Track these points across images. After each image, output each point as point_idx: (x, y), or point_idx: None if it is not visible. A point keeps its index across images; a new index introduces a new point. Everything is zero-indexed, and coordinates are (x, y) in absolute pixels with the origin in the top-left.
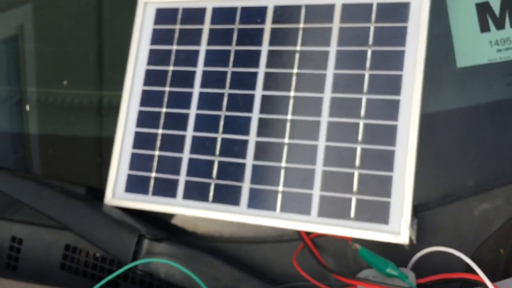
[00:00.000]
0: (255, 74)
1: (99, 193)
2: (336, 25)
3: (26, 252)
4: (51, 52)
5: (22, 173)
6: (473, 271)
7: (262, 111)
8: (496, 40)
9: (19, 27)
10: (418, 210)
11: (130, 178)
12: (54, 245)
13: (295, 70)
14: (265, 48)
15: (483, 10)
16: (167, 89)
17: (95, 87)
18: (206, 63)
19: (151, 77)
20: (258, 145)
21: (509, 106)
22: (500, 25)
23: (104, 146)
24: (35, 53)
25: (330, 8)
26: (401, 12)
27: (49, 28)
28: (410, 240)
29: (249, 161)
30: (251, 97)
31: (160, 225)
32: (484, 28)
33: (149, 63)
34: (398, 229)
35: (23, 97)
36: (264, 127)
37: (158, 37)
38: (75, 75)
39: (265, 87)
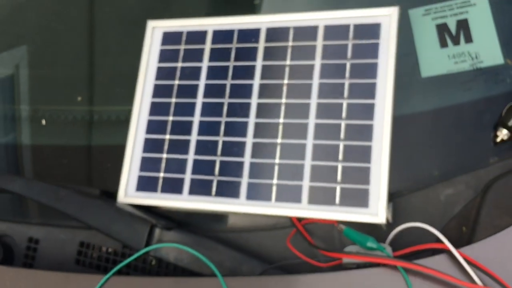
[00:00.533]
0: (251, 85)
1: (111, 195)
2: (319, 42)
3: (42, 251)
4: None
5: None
6: (440, 242)
7: (257, 116)
8: (453, 54)
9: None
10: (393, 197)
11: (141, 178)
12: (69, 242)
13: (285, 81)
14: (259, 63)
15: (442, 29)
16: (173, 100)
17: (104, 102)
18: (208, 77)
19: (159, 91)
20: (255, 145)
21: (466, 108)
22: (456, 42)
23: (113, 154)
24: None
25: (314, 29)
26: (373, 31)
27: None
28: (387, 220)
29: (247, 159)
30: (248, 104)
31: (169, 218)
32: (443, 44)
33: (157, 78)
34: (376, 211)
35: (38, 113)
36: (260, 129)
37: (165, 56)
38: (87, 92)
39: (260, 96)
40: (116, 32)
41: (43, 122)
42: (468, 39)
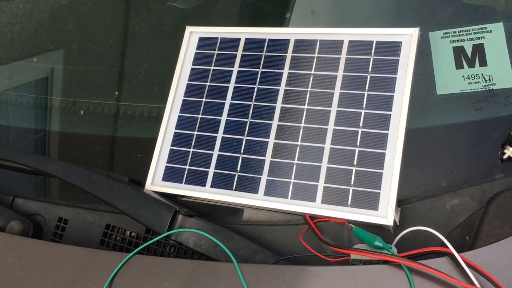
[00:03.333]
0: (277, 91)
1: (139, 183)
2: (343, 56)
3: (70, 231)
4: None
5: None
6: (444, 246)
7: (280, 119)
8: (468, 75)
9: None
10: (401, 203)
11: (167, 169)
12: (96, 224)
13: (309, 89)
14: (286, 71)
15: (459, 52)
16: (204, 99)
17: (139, 99)
18: (237, 81)
19: (191, 90)
20: (276, 145)
21: (476, 126)
22: (471, 64)
23: (143, 146)
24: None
25: (340, 43)
26: (394, 49)
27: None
28: (394, 223)
29: (268, 158)
30: (273, 108)
31: (191, 208)
32: (459, 65)
33: (190, 79)
34: (385, 214)
35: (77, 105)
36: (282, 132)
37: (199, 59)
38: (124, 89)
39: (284, 101)
40: (154, 36)
41: (81, 112)
42: (483, 63)
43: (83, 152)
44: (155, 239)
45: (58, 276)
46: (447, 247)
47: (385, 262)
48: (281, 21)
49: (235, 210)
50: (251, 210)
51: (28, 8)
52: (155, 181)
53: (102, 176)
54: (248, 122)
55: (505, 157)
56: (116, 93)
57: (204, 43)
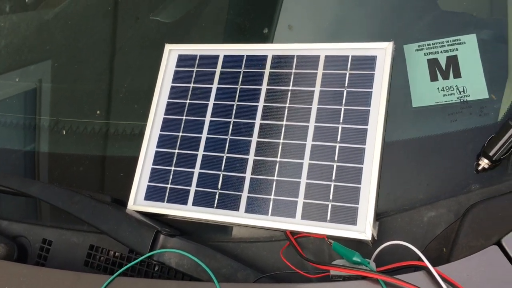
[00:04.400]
0: (255, 107)
1: (122, 202)
2: (320, 71)
3: (54, 252)
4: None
5: (56, 184)
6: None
7: (260, 136)
8: (442, 87)
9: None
10: (380, 216)
11: (149, 188)
12: (80, 245)
13: (287, 104)
14: (264, 87)
15: (433, 64)
16: (184, 117)
17: (121, 117)
18: (217, 98)
19: (171, 108)
20: (256, 162)
21: (451, 138)
22: (445, 76)
23: (126, 164)
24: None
25: (316, 58)
26: (369, 63)
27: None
28: (372, 237)
29: (248, 175)
30: (252, 124)
31: (173, 226)
32: (433, 77)
33: (170, 97)
34: (364, 229)
35: (59, 124)
36: (261, 148)
37: (179, 76)
38: (106, 107)
39: (263, 117)
40: (136, 53)
41: (63, 132)
42: (457, 74)
43: (66, 172)
44: (136, 261)
45: None
46: (423, 261)
47: (364, 277)
48: (260, 37)
49: (217, 227)
50: (233, 227)
51: (13, 22)
52: (137, 201)
53: (85, 197)
54: (228, 139)
55: (480, 168)
56: (98, 112)
57: (183, 60)
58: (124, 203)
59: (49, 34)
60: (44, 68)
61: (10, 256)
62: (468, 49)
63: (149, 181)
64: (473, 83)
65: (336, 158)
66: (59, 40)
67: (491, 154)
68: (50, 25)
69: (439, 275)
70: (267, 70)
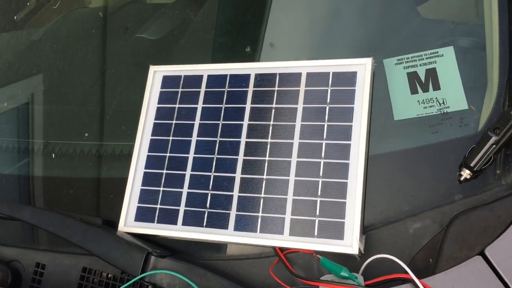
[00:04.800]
0: (240, 126)
1: (112, 224)
2: (302, 88)
3: (48, 276)
4: (78, 111)
5: (47, 209)
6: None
7: (246, 154)
8: (422, 99)
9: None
10: (366, 230)
11: (139, 209)
12: (73, 268)
13: (271, 122)
14: (248, 106)
15: (413, 77)
16: (170, 138)
17: (109, 138)
18: (202, 118)
19: (158, 129)
20: (243, 180)
21: (433, 149)
22: (425, 89)
23: (115, 186)
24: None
25: (298, 75)
26: (350, 79)
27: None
28: (359, 251)
29: (235, 193)
30: (237, 143)
31: (163, 247)
32: (413, 90)
33: (156, 118)
34: (351, 243)
35: (49, 147)
36: (247, 166)
37: (164, 97)
38: (94, 129)
39: (248, 136)
40: (122, 72)
41: (53, 155)
42: (436, 87)
43: (56, 196)
44: (127, 284)
45: None
46: (408, 273)
47: None
48: (242, 55)
49: (207, 245)
50: (223, 245)
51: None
52: (127, 222)
53: (75, 220)
54: (215, 158)
55: (462, 178)
56: (86, 134)
57: (168, 81)
58: (115, 224)
59: (36, 55)
60: (32, 89)
61: (4, 282)
62: (446, 61)
63: (139, 202)
64: (452, 94)
65: (321, 174)
66: (45, 61)
67: (472, 164)
68: (38, 45)
69: (424, 287)
70: (250, 89)
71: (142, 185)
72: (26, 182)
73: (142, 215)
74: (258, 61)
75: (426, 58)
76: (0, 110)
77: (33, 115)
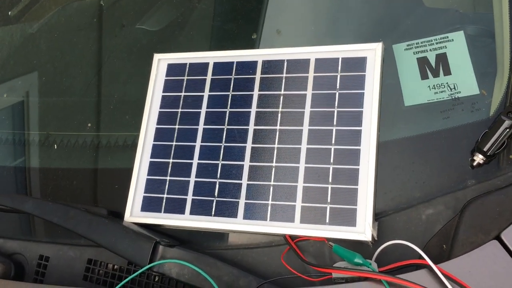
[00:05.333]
0: (248, 113)
1: (118, 215)
2: (311, 74)
3: (52, 268)
4: (79, 102)
5: (51, 200)
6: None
7: (254, 141)
8: (433, 85)
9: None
10: (378, 216)
11: (145, 199)
12: (78, 260)
13: (280, 109)
14: (256, 93)
15: (423, 62)
16: (176, 126)
17: (112, 128)
18: (209, 106)
19: (163, 118)
20: (251, 168)
21: (445, 135)
22: (436, 74)
23: (120, 176)
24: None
25: (306, 61)
26: (360, 64)
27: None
28: (373, 237)
29: (244, 181)
30: (245, 131)
31: (171, 237)
32: (424, 76)
33: (161, 107)
34: (363, 230)
35: (50, 138)
36: (256, 154)
37: (169, 85)
38: (97, 119)
39: (256, 123)
40: (124, 63)
41: (55, 146)
42: (447, 72)
43: (60, 187)
44: (135, 274)
45: None
46: (424, 259)
47: (366, 278)
48: (249, 42)
49: (216, 235)
50: (232, 234)
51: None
52: (133, 212)
53: (80, 211)
54: (223, 146)
55: (475, 163)
56: (89, 124)
57: (173, 69)
58: (120, 215)
59: (34, 47)
60: (31, 81)
61: (7, 275)
62: (456, 46)
63: (145, 192)
64: (463, 79)
65: (332, 161)
66: (44, 53)
67: (485, 149)
68: (35, 38)
69: (441, 272)
70: (258, 76)
71: (148, 175)
72: (28, 174)
73: (149, 205)
74: (266, 48)
75: (436, 43)
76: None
77: (35, 106)
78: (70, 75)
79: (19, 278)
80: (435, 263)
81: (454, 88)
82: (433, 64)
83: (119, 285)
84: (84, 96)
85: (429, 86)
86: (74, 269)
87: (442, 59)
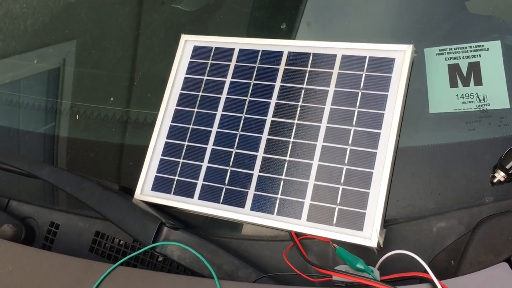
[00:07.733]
0: (268, 104)
1: (129, 191)
2: (336, 70)
3: (61, 236)
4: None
5: (66, 169)
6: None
7: (270, 133)
8: (462, 94)
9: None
10: (387, 224)
11: (157, 179)
12: (86, 231)
13: (300, 103)
14: (278, 84)
15: (454, 69)
16: (195, 110)
17: (134, 105)
18: (229, 92)
19: (184, 100)
20: (265, 160)
21: (468, 147)
22: (466, 83)
23: (136, 153)
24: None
25: (333, 57)
26: (387, 65)
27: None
28: (379, 244)
29: (256, 172)
30: (263, 121)
31: (177, 219)
32: (453, 84)
33: (183, 88)
34: (370, 235)
35: (74, 108)
36: (271, 146)
37: (193, 68)
38: (120, 94)
39: (275, 115)
40: (156, 40)
41: (77, 117)
42: (478, 82)
43: (76, 157)
44: (138, 252)
45: (43, 285)
46: (428, 273)
47: (366, 285)
48: (277, 32)
49: (223, 222)
50: (238, 224)
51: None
52: (144, 191)
53: (93, 183)
54: (238, 134)
55: (495, 180)
56: (112, 98)
57: (199, 52)
58: (131, 191)
59: (73, 16)
60: (67, 50)
61: (17, 237)
62: (491, 56)
63: (157, 172)
64: (494, 91)
65: (346, 161)
66: (84, 23)
67: (507, 167)
68: (75, 7)
69: None
70: (282, 67)
71: (162, 155)
72: (48, 141)
73: (159, 185)
74: (293, 39)
75: (470, 51)
76: (30, 68)
77: (65, 75)
78: (101, 48)
79: (28, 242)
80: (441, 278)
81: (484, 99)
82: (465, 73)
83: (122, 261)
84: (112, 71)
85: (457, 94)
86: (82, 239)
87: (474, 67)
